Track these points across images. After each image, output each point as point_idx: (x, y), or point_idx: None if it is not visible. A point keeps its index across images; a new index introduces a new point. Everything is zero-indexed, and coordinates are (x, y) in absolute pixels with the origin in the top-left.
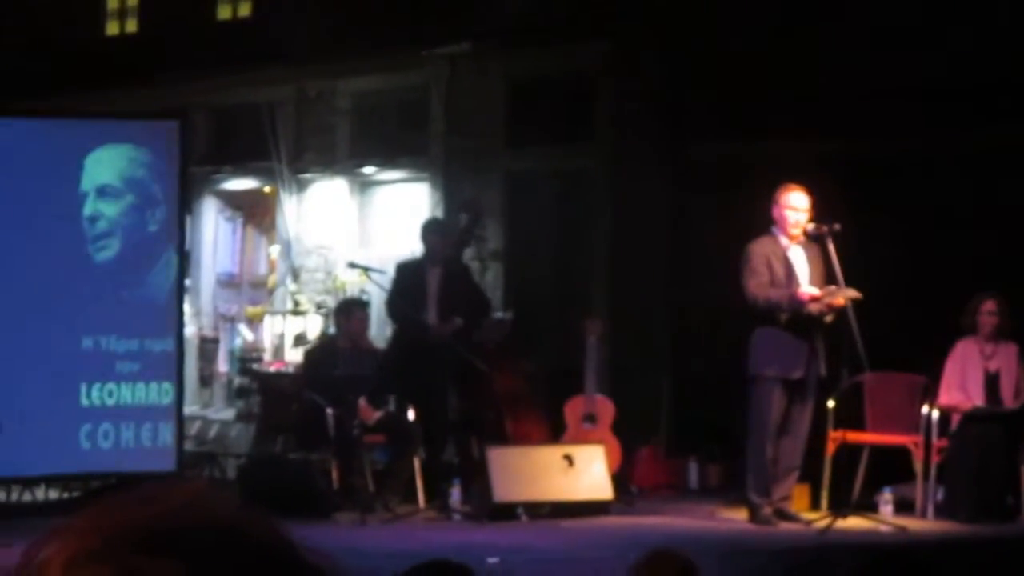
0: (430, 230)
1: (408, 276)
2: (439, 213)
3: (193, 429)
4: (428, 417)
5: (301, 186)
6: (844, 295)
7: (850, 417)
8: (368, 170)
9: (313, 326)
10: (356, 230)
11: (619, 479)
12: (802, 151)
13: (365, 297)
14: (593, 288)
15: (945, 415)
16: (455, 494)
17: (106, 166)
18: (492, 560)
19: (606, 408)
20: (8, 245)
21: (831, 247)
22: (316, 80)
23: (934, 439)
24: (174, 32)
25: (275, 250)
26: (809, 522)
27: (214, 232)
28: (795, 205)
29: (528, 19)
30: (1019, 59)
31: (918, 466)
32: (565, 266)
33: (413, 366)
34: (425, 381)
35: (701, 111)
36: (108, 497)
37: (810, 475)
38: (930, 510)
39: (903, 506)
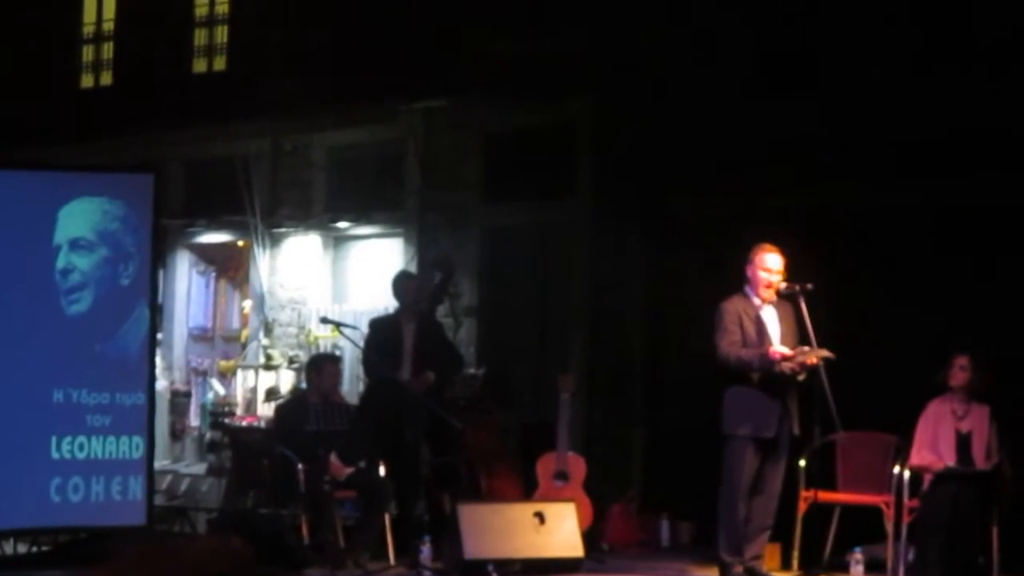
0: (402, 279)
1: (382, 332)
2: (413, 268)
3: (164, 483)
4: (400, 473)
5: (275, 240)
6: (817, 355)
7: (822, 476)
8: (343, 225)
9: (285, 381)
10: (330, 285)
11: (590, 536)
12: (779, 208)
13: (337, 352)
14: (569, 344)
15: (917, 475)
16: (426, 550)
17: (80, 219)
18: None
19: (578, 465)
20: None
21: (803, 306)
22: (291, 134)
23: (905, 499)
24: (149, 85)
25: (248, 304)
26: None
27: (187, 286)
28: (769, 266)
29: (506, 74)
30: (993, 112)
31: (889, 526)
32: (541, 322)
33: (386, 422)
34: (398, 437)
35: (679, 167)
36: (133, 551)
37: (781, 534)
38: (901, 570)
39: (874, 566)
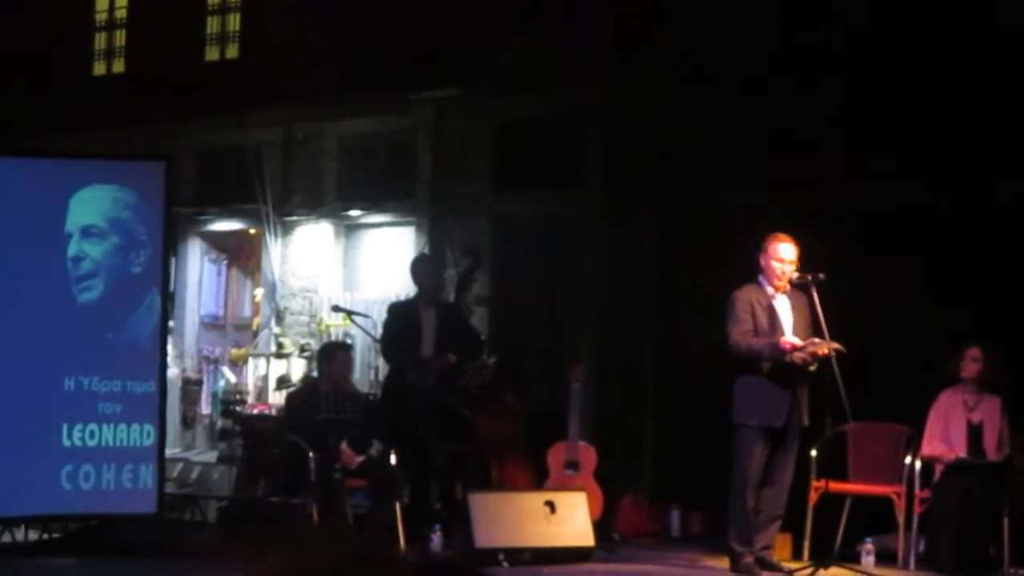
0: (420, 262)
1: (401, 316)
2: None
3: (175, 471)
4: (412, 462)
5: (287, 229)
6: (828, 346)
7: (833, 467)
8: (354, 213)
9: (297, 369)
10: (341, 273)
11: (601, 526)
12: (790, 199)
13: (349, 341)
14: (580, 334)
15: (928, 465)
16: (436, 539)
17: (91, 207)
18: None
19: (589, 455)
20: None
21: (816, 297)
22: (303, 122)
23: (916, 489)
24: (161, 73)
25: (259, 292)
26: (791, 571)
27: (199, 274)
28: (782, 256)
29: (518, 65)
30: (1005, 110)
31: (900, 516)
32: (552, 311)
33: (400, 412)
34: (411, 427)
35: (691, 158)
36: (278, 542)
37: (792, 524)
38: (912, 561)
39: (885, 556)
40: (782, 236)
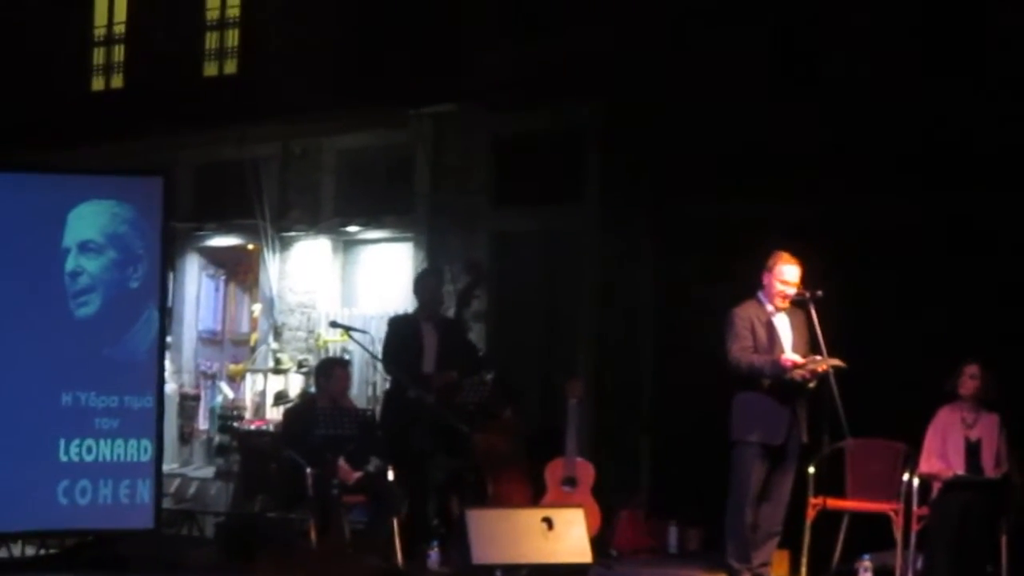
0: (425, 277)
1: (402, 330)
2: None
3: (172, 487)
4: (410, 478)
5: (285, 244)
6: (828, 363)
7: (830, 483)
8: (352, 229)
9: (294, 385)
10: (339, 289)
11: (599, 542)
12: (790, 213)
13: (347, 356)
14: (578, 349)
15: (926, 483)
16: (433, 555)
17: (89, 222)
18: None
19: (586, 471)
20: None
21: (814, 313)
22: (302, 138)
23: (914, 507)
24: (160, 88)
25: (257, 308)
26: None
27: (196, 289)
28: (787, 278)
29: (515, 79)
30: (1005, 127)
31: (898, 533)
32: (550, 326)
33: (400, 428)
34: (410, 443)
35: (690, 171)
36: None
37: (790, 541)
38: None
39: (883, 574)
40: (788, 257)
